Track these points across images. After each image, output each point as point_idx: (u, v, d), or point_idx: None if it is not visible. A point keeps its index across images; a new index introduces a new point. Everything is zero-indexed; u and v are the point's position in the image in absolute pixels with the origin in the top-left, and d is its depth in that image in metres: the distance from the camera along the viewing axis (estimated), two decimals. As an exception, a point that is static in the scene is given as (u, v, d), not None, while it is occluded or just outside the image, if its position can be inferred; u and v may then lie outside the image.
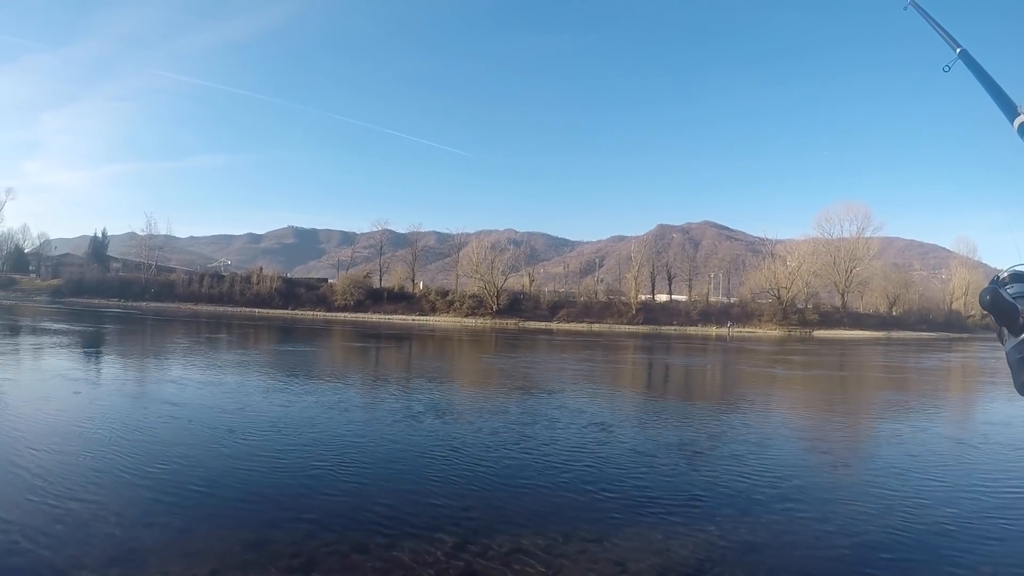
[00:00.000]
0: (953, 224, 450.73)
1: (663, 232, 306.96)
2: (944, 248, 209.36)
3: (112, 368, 25.17)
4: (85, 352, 30.75)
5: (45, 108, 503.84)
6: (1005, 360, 2.59)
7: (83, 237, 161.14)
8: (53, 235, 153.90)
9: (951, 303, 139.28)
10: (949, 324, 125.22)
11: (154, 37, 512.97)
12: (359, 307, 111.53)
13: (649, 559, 7.37)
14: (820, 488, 10.76)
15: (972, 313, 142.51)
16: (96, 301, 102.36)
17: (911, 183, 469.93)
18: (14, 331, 41.66)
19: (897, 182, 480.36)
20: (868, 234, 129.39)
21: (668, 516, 8.92)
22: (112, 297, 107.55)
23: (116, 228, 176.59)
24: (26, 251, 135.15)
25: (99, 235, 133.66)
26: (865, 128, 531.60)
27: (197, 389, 19.32)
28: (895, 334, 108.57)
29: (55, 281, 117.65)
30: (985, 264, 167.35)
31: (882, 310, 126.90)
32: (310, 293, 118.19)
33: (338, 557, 7.07)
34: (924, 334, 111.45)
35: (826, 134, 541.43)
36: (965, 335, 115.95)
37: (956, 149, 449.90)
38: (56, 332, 41.02)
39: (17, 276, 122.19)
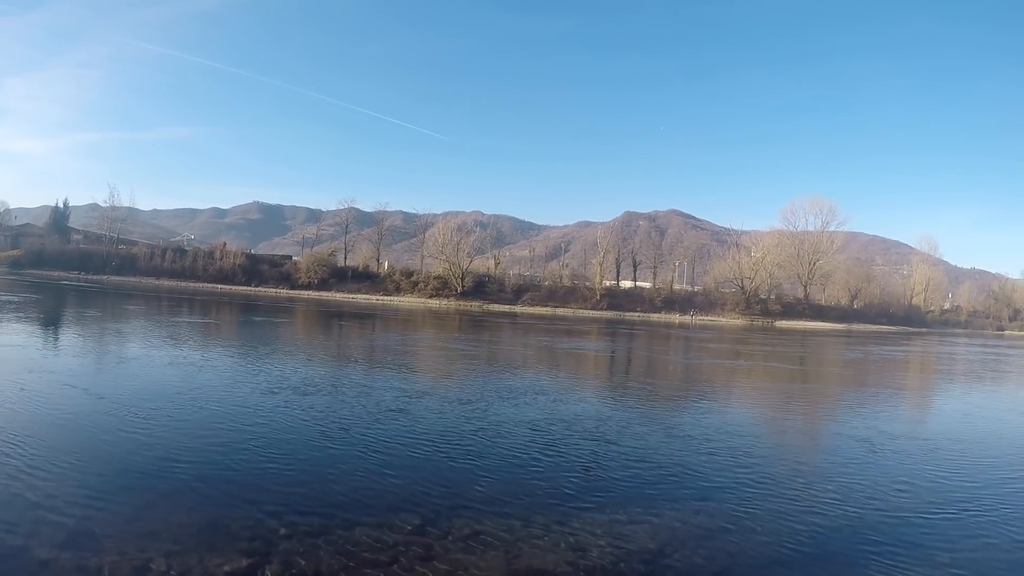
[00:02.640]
0: (916, 222, 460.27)
1: (630, 219, 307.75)
2: (906, 245, 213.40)
3: (59, 344, 24.87)
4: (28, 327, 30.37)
5: (11, 73, 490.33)
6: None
7: (44, 207, 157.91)
8: (14, 204, 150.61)
9: (911, 298, 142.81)
10: (909, 319, 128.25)
11: (124, 4, 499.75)
12: (323, 285, 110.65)
13: (610, 544, 7.42)
14: (777, 477, 10.87)
15: (931, 308, 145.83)
16: (56, 273, 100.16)
17: (877, 180, 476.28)
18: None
19: (863, 178, 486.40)
20: (832, 228, 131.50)
21: (628, 502, 9.00)
22: (72, 269, 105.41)
23: (79, 199, 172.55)
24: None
25: (61, 205, 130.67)
26: (833, 122, 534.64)
27: (151, 368, 19.03)
28: (855, 327, 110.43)
29: (14, 252, 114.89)
30: (946, 262, 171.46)
31: (844, 303, 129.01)
32: (274, 270, 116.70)
33: (296, 540, 7.02)
34: (884, 327, 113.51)
35: (795, 127, 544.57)
36: (924, 329, 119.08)
37: (922, 148, 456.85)
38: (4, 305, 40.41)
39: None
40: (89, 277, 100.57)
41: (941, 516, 9.35)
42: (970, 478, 11.73)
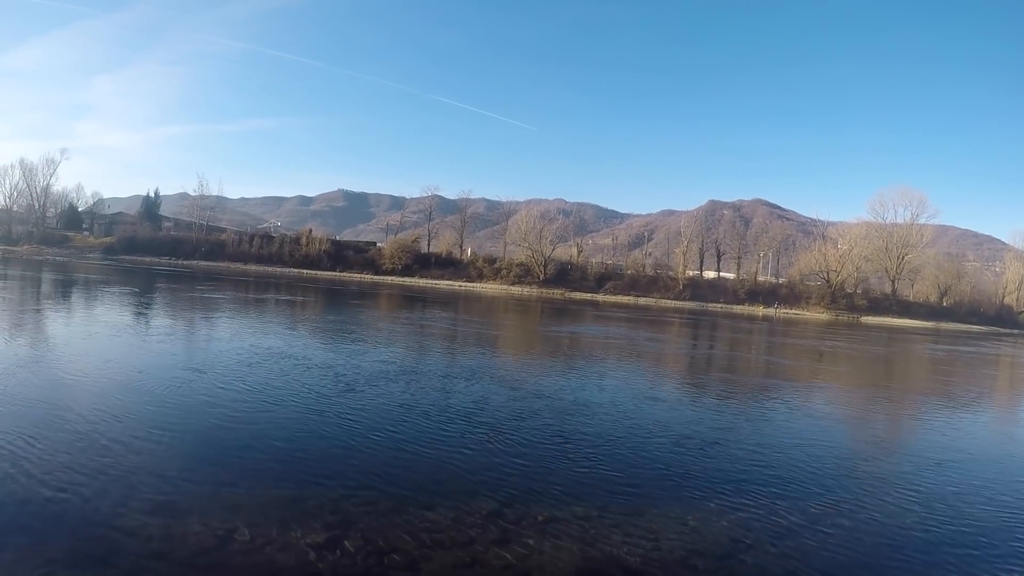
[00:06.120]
0: (1009, 216, 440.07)
1: (714, 208, 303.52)
2: (999, 240, 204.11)
3: (158, 322, 25.73)
4: (141, 309, 31.42)
5: (97, 71, 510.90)
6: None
7: (135, 197, 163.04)
8: (106, 195, 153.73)
9: (1003, 297, 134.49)
10: (1000, 319, 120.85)
11: (203, 3, 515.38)
12: (406, 271, 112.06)
13: (683, 536, 7.38)
14: (858, 478, 10.61)
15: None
16: (147, 259, 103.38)
17: (969, 171, 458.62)
18: (71, 286, 42.68)
19: (954, 169, 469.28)
20: (922, 221, 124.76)
21: (703, 495, 8.91)
22: (163, 255, 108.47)
23: (168, 188, 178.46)
24: (80, 209, 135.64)
25: (151, 195, 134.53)
26: (924, 113, 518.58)
27: (248, 352, 19.57)
28: (944, 325, 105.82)
29: (108, 239, 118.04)
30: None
31: (932, 300, 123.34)
32: (358, 256, 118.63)
33: (375, 516, 7.19)
34: (974, 327, 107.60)
35: (883, 117, 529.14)
36: (1016, 331, 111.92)
37: (1018, 138, 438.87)
38: (113, 287, 41.87)
39: (71, 234, 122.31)
40: (179, 263, 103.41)
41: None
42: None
